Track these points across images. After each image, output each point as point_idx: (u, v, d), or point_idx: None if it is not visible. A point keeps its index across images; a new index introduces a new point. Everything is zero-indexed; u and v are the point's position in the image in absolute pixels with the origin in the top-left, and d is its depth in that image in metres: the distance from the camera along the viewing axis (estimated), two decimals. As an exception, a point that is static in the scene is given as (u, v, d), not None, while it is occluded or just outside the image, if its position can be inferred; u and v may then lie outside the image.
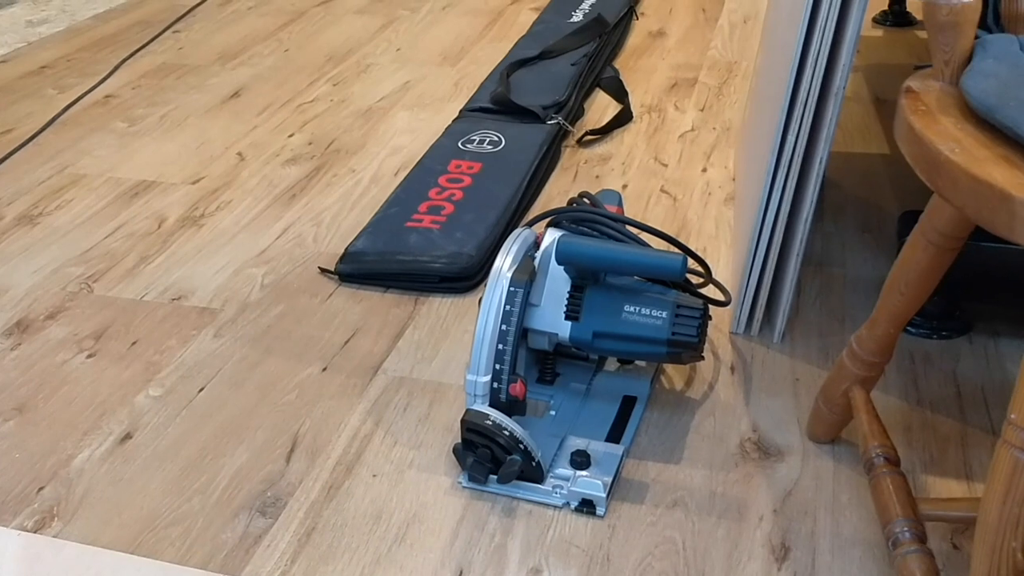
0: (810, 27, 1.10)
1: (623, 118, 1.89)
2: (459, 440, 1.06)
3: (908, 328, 1.27)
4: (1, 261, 1.51)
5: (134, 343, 1.31)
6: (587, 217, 1.15)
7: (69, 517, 1.03)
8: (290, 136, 1.90)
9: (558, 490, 1.04)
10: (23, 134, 1.93)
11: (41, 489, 1.07)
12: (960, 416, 1.14)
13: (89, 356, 1.29)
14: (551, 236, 1.13)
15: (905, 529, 0.85)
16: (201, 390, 1.21)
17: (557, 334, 1.11)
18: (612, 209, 1.19)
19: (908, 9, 2.35)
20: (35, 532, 1.02)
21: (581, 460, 1.05)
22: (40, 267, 1.49)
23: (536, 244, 1.13)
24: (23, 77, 2.22)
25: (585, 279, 1.10)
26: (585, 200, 1.20)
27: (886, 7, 2.36)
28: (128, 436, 1.14)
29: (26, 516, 1.04)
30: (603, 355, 1.20)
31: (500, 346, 1.06)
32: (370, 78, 2.16)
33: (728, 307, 1.28)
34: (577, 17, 2.37)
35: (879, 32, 2.31)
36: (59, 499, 1.06)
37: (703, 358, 1.15)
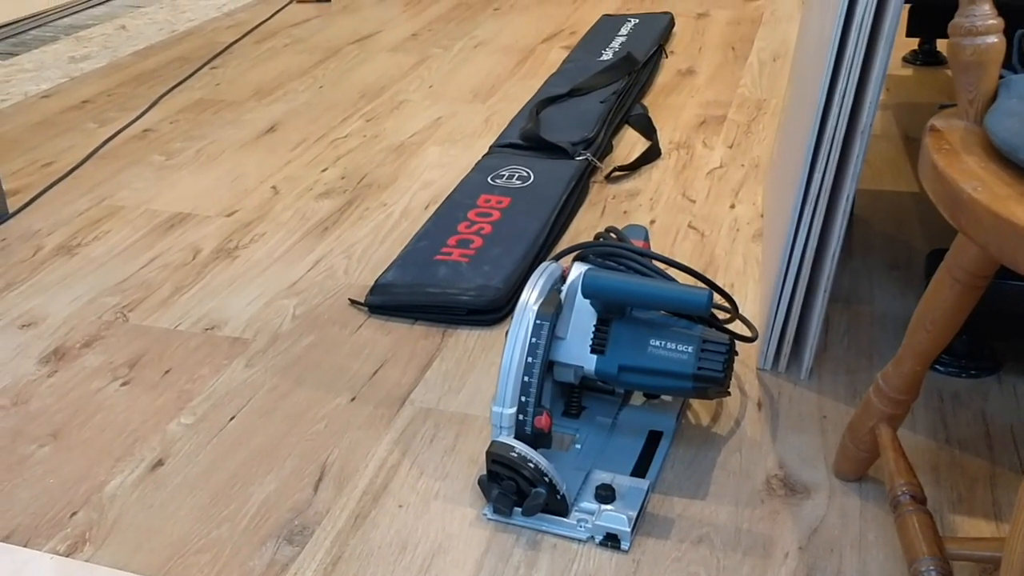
0: (837, 65, 1.11)
1: (651, 154, 1.91)
2: (484, 472, 1.06)
3: (937, 367, 1.27)
4: (40, 290, 1.55)
5: (167, 372, 1.33)
6: (613, 251, 1.16)
7: (101, 542, 1.05)
8: (323, 170, 1.93)
9: (583, 524, 1.04)
10: (64, 166, 1.98)
11: (74, 514, 1.09)
12: (989, 455, 1.13)
13: (123, 384, 1.31)
14: (577, 270, 1.14)
15: (931, 568, 0.85)
16: (232, 419, 1.23)
17: (583, 367, 1.11)
18: (638, 244, 1.20)
19: (938, 48, 2.36)
20: (67, 556, 1.03)
21: (606, 494, 1.06)
22: (77, 296, 1.52)
23: (563, 278, 1.14)
24: (65, 111, 2.28)
25: (611, 313, 1.11)
26: (611, 235, 1.21)
27: (916, 46, 2.37)
28: (160, 463, 1.16)
29: (59, 540, 1.06)
30: (629, 389, 1.20)
31: (526, 378, 1.07)
32: (402, 114, 2.20)
33: (755, 343, 1.29)
34: (607, 55, 2.39)
35: (909, 71, 2.32)
36: (91, 524, 1.08)
37: (729, 394, 1.16)
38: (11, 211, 1.80)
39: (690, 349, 1.08)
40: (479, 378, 1.30)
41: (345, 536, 1.05)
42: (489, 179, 1.79)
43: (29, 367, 1.36)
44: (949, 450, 1.14)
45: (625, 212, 1.72)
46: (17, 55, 2.72)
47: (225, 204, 1.81)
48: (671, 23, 2.67)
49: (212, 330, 1.42)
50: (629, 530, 1.02)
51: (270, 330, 1.42)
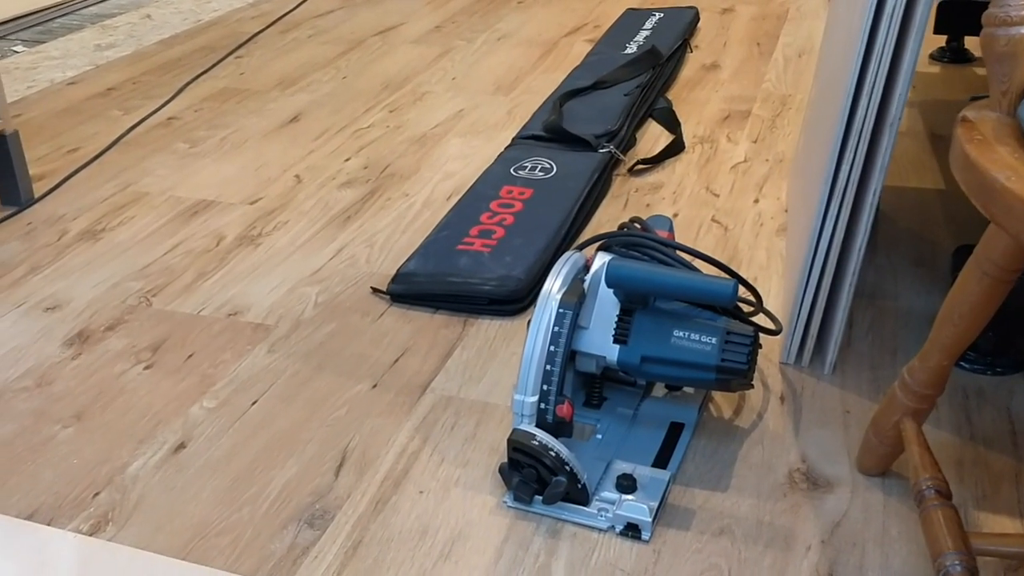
0: (866, 56, 1.10)
1: (675, 148, 1.90)
2: (505, 460, 1.06)
3: (962, 363, 1.26)
4: (64, 274, 1.56)
5: (190, 356, 1.34)
6: (637, 241, 1.15)
7: (123, 522, 1.06)
8: (346, 160, 1.93)
9: (603, 513, 1.04)
10: (88, 153, 1.99)
11: (97, 494, 1.10)
12: (1014, 453, 1.12)
13: (146, 367, 1.32)
14: (601, 259, 1.14)
15: (956, 562, 0.84)
16: (254, 403, 1.24)
17: (605, 357, 1.11)
18: (662, 234, 1.20)
19: (965, 46, 2.34)
20: (90, 535, 1.04)
21: (627, 484, 1.05)
22: (101, 281, 1.53)
23: (586, 267, 1.14)
24: (90, 98, 2.30)
25: (634, 303, 1.10)
26: (636, 225, 1.21)
27: (943, 44, 2.35)
28: (182, 446, 1.17)
29: (82, 520, 1.06)
30: (651, 380, 1.20)
31: (548, 367, 1.06)
32: (425, 106, 2.20)
33: (778, 337, 1.28)
34: (631, 49, 2.39)
35: (936, 68, 2.30)
36: (114, 504, 1.08)
37: (752, 386, 1.15)
38: (36, 196, 1.81)
39: (714, 340, 1.08)
40: (500, 368, 1.30)
41: (366, 521, 1.05)
42: (512, 170, 1.78)
43: (53, 349, 1.36)
44: (974, 447, 1.13)
45: (648, 205, 1.71)
46: (43, 43, 2.74)
47: (248, 192, 1.81)
48: (696, 18, 2.66)
49: (235, 316, 1.43)
50: (650, 520, 1.01)
51: (292, 317, 1.42)
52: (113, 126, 2.12)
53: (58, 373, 1.31)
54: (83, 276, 1.55)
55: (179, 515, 1.06)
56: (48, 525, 1.06)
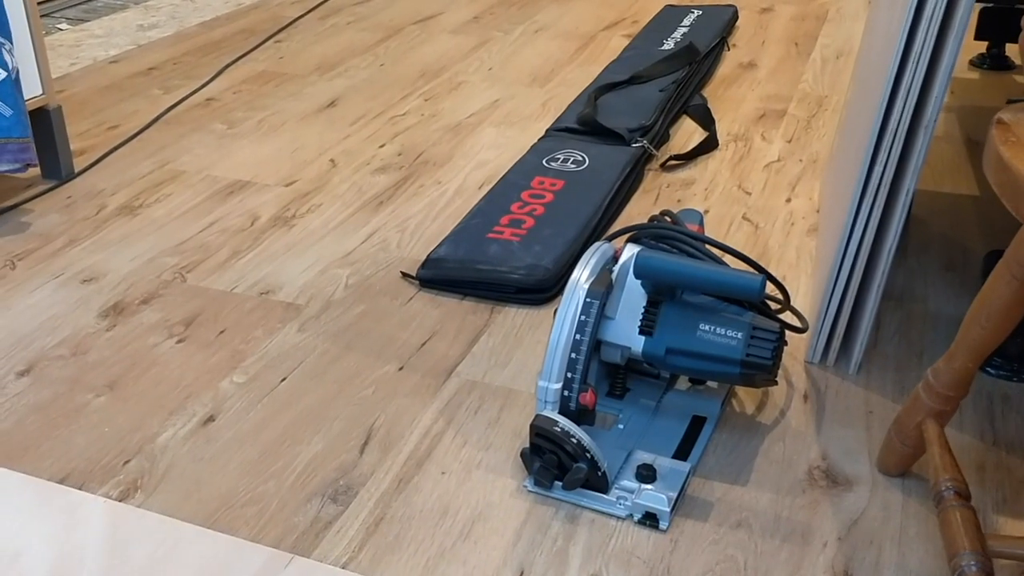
0: (904, 56, 1.10)
1: (708, 145, 1.90)
2: (527, 445, 1.07)
3: (988, 369, 1.26)
4: (101, 247, 1.59)
5: (222, 332, 1.36)
6: (667, 234, 1.16)
7: (151, 490, 1.08)
8: (381, 146, 1.95)
9: (622, 501, 1.05)
10: (128, 130, 2.03)
11: (127, 462, 1.12)
12: (1037, 459, 1.12)
13: (179, 341, 1.34)
14: (630, 251, 1.15)
15: (972, 562, 0.84)
16: (283, 380, 1.26)
17: (630, 348, 1.12)
18: (692, 228, 1.20)
19: (1006, 53, 2.31)
20: (119, 501, 1.06)
21: (647, 474, 1.06)
22: (137, 255, 1.56)
23: (615, 258, 1.15)
24: (132, 77, 2.33)
25: (661, 295, 1.11)
26: (666, 218, 1.21)
27: (984, 50, 2.33)
28: (211, 418, 1.19)
29: (112, 486, 1.09)
30: (675, 372, 1.20)
31: (573, 355, 1.07)
32: (461, 95, 2.21)
33: (804, 335, 1.28)
34: (668, 45, 2.39)
35: (975, 75, 2.28)
36: (143, 472, 1.11)
37: (776, 383, 1.16)
38: (77, 170, 1.84)
39: (739, 335, 1.08)
40: (525, 355, 1.31)
41: (388, 498, 1.06)
42: (544, 161, 1.79)
43: (89, 320, 1.39)
44: (996, 452, 1.13)
45: (679, 200, 1.71)
46: (88, 21, 2.78)
47: (284, 174, 1.84)
48: (735, 16, 2.66)
49: (267, 294, 1.45)
50: (668, 510, 1.02)
51: (323, 297, 1.44)
52: (153, 104, 2.16)
53: (93, 343, 1.34)
54: (120, 250, 1.58)
55: (206, 485, 1.09)
56: (79, 490, 1.08)
